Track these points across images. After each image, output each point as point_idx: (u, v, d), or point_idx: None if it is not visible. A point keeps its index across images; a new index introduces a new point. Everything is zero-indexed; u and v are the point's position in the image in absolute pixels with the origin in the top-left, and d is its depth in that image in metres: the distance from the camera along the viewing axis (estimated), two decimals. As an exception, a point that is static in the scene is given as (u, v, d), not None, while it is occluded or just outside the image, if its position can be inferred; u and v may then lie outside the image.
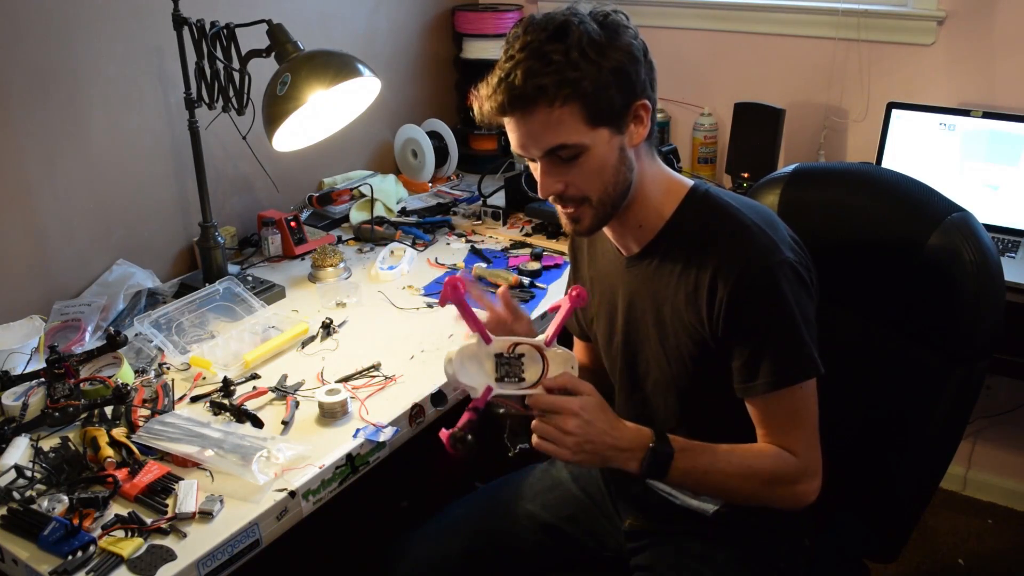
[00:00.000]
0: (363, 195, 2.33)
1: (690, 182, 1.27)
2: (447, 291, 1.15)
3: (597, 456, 1.17)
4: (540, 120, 1.13)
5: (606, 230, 1.30)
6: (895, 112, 2.17)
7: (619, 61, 1.13)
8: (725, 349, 1.20)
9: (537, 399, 1.16)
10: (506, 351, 1.21)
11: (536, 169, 1.20)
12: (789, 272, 1.16)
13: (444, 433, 1.16)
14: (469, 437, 1.16)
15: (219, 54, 1.70)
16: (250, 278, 1.94)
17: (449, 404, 1.59)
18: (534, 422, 1.16)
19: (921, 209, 1.36)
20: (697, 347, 1.23)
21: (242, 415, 1.45)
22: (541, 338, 1.23)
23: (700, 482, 1.23)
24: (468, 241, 2.20)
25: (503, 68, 1.14)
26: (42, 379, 1.50)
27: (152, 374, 1.61)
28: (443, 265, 2.06)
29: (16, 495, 1.28)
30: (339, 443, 1.41)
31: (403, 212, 2.37)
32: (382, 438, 1.43)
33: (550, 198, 1.21)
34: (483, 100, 1.17)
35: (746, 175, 2.33)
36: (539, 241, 2.18)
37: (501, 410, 1.34)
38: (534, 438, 1.16)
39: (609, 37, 1.13)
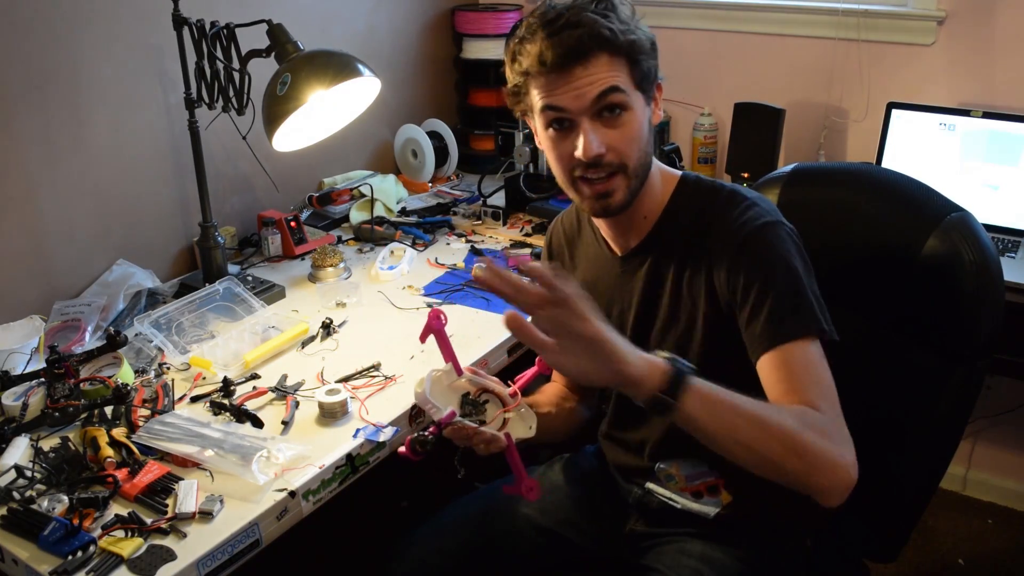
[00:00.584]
0: (363, 195, 2.33)
1: (679, 172, 1.29)
2: (431, 321, 1.22)
3: (613, 349, 0.95)
4: (599, 66, 1.14)
5: (605, 227, 1.30)
6: (895, 112, 2.17)
7: (650, 36, 1.20)
8: (733, 322, 1.19)
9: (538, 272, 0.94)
10: (473, 393, 1.26)
11: (557, 141, 1.18)
12: (783, 232, 1.17)
13: (407, 439, 1.18)
14: (429, 437, 1.16)
15: (219, 54, 1.70)
16: (250, 278, 1.94)
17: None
18: (539, 311, 0.93)
19: (920, 209, 1.36)
20: (708, 331, 1.22)
21: (242, 415, 1.45)
22: (507, 390, 1.27)
23: (722, 417, 1.01)
24: (468, 241, 2.20)
25: (555, 23, 1.13)
26: (42, 379, 1.50)
27: (152, 374, 1.61)
28: (443, 265, 2.06)
29: (16, 495, 1.28)
30: (339, 443, 1.41)
31: (403, 212, 2.37)
32: (382, 438, 1.43)
33: (569, 173, 1.20)
34: (530, 48, 1.15)
35: (746, 175, 2.33)
36: (539, 241, 2.18)
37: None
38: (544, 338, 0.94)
39: (635, 19, 1.19)
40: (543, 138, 1.22)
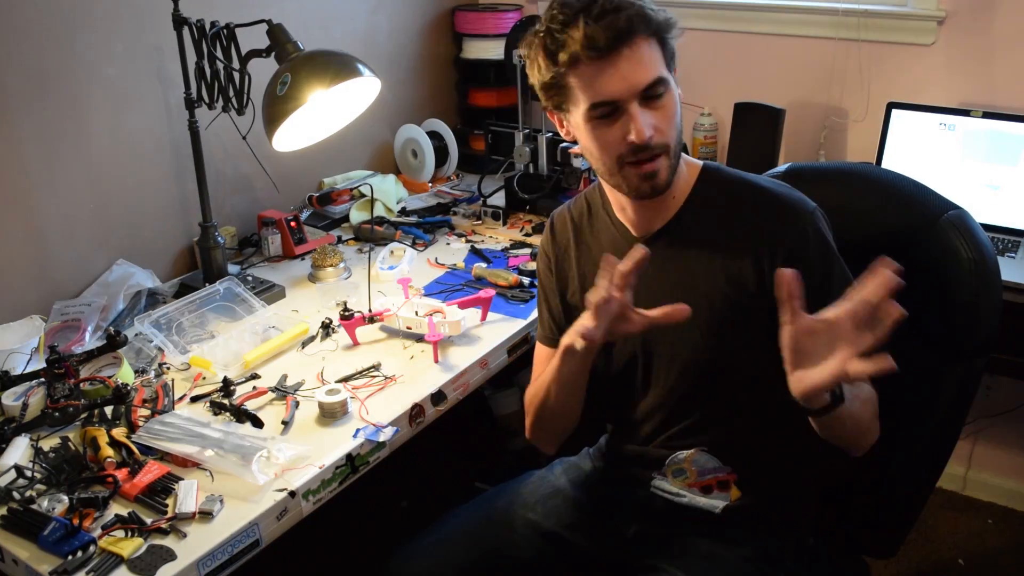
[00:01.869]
0: (363, 195, 2.33)
1: (700, 161, 1.32)
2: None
3: None
4: (640, 52, 1.15)
5: (631, 207, 1.30)
6: (895, 112, 2.17)
7: (670, 19, 1.20)
8: (760, 304, 1.19)
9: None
10: None
11: (604, 130, 1.19)
12: (822, 218, 1.24)
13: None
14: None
15: (219, 54, 1.70)
16: (250, 278, 1.94)
17: (449, 403, 1.59)
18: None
19: (917, 207, 1.36)
20: (737, 314, 1.24)
21: (242, 415, 1.45)
22: None
23: (857, 411, 1.17)
24: (468, 241, 2.20)
25: (591, 10, 1.13)
26: (42, 379, 1.50)
27: (152, 374, 1.61)
28: (443, 265, 2.06)
29: (16, 495, 1.28)
30: (339, 443, 1.41)
31: (403, 212, 2.37)
32: (382, 438, 1.43)
33: (617, 157, 1.20)
34: (570, 34, 1.14)
35: (746, 175, 2.33)
36: (539, 241, 2.17)
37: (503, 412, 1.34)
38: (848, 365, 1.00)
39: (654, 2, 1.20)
40: (581, 129, 1.22)
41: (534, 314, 1.81)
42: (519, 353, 1.77)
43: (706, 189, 1.28)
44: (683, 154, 1.29)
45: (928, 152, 2.15)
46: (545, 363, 1.41)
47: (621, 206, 1.32)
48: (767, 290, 1.18)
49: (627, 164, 1.20)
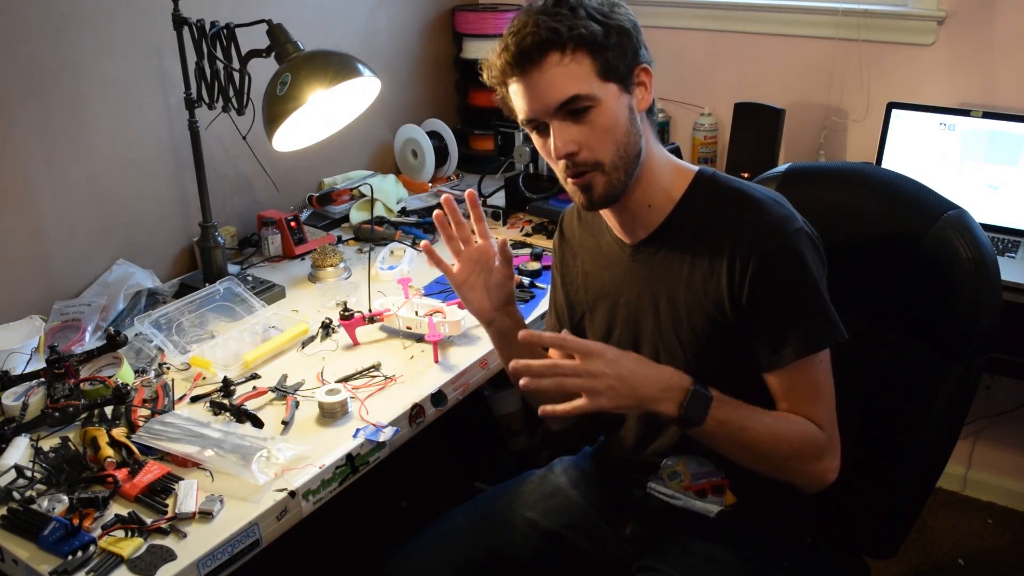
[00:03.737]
0: (363, 195, 2.33)
1: (695, 167, 1.29)
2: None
3: (634, 397, 1.13)
4: (552, 71, 1.14)
5: (611, 216, 1.30)
6: (895, 112, 2.17)
7: (622, 24, 1.17)
8: (746, 324, 1.19)
9: (564, 341, 1.13)
10: None
11: (541, 144, 1.22)
12: (806, 239, 1.19)
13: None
14: None
15: (219, 54, 1.70)
16: (250, 278, 1.94)
17: (449, 404, 1.59)
18: (559, 379, 1.11)
19: (916, 207, 1.36)
20: (714, 327, 1.22)
21: (242, 415, 1.45)
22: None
23: (732, 438, 1.17)
24: (468, 241, 2.20)
25: (513, 29, 1.16)
26: (42, 379, 1.50)
27: (152, 374, 1.61)
28: (443, 265, 2.06)
29: (16, 495, 1.28)
30: (339, 443, 1.41)
31: (403, 212, 2.37)
32: (382, 438, 1.43)
33: (559, 169, 1.21)
34: (494, 60, 1.19)
35: (746, 175, 2.33)
36: (539, 241, 2.18)
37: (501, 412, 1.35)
38: (565, 404, 1.11)
39: (610, 6, 1.18)
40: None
41: (534, 314, 1.81)
42: (519, 353, 1.77)
43: (697, 197, 1.25)
44: (675, 159, 1.28)
45: (928, 152, 2.15)
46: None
47: (605, 213, 1.32)
48: (736, 300, 1.19)
49: (568, 176, 1.21)
